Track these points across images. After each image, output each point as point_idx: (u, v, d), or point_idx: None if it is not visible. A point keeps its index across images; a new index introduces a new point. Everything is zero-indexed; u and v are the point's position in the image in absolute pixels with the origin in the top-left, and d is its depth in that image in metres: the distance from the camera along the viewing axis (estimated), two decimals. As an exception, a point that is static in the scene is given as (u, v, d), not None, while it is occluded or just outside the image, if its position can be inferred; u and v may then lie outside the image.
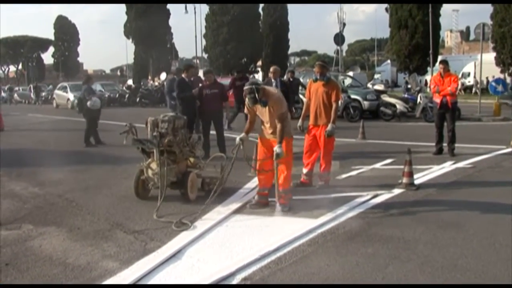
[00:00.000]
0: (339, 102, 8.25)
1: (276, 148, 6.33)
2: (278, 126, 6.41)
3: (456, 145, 10.71)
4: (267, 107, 6.51)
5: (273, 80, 11.10)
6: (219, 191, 6.79)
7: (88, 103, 13.36)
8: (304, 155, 8.04)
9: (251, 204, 6.81)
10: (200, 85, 11.20)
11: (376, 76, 54.23)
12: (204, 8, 46.58)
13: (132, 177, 7.33)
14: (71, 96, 32.44)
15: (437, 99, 10.82)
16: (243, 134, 6.74)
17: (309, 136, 8.02)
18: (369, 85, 26.62)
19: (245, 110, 7.01)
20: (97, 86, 36.60)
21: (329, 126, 7.75)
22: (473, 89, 39.26)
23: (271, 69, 12.19)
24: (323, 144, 7.85)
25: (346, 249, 5.09)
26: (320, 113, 7.90)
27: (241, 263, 4.71)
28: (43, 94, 42.87)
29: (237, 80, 15.21)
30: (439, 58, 34.62)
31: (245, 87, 6.56)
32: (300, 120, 8.29)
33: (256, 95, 6.38)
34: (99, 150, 12.61)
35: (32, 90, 44.90)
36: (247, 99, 6.56)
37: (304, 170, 8.02)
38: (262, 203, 6.78)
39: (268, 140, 6.72)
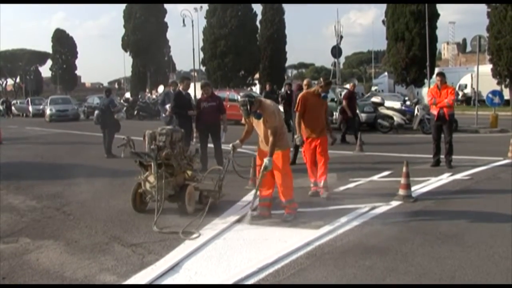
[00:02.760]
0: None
1: (266, 160, 6.45)
2: (270, 138, 6.50)
3: (453, 157, 10.73)
4: (261, 120, 6.58)
5: None
6: (217, 202, 6.84)
7: (116, 115, 13.77)
8: (311, 167, 8.24)
9: (253, 216, 6.82)
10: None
11: (373, 88, 54.38)
12: (201, 21, 46.84)
13: (130, 190, 7.31)
14: (48, 110, 35.15)
15: (434, 111, 10.83)
16: (237, 141, 6.95)
17: (310, 148, 8.18)
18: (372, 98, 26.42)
19: (243, 121, 7.08)
20: (94, 99, 37.04)
21: (334, 135, 8.61)
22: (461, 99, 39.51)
23: (305, 81, 12.27)
24: (324, 155, 8.11)
25: (343, 262, 5.08)
26: (322, 126, 8.20)
27: (239, 276, 4.70)
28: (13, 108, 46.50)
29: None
30: (436, 70, 34.80)
31: (240, 99, 6.65)
32: (299, 134, 8.31)
33: (248, 107, 6.48)
34: (96, 163, 12.58)
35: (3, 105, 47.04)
36: (241, 110, 6.66)
37: (314, 181, 8.23)
38: (264, 215, 6.80)
39: (263, 151, 6.78)
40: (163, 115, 12.73)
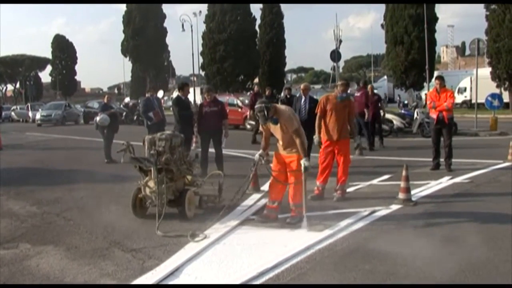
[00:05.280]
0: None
1: (304, 162, 6.49)
2: (297, 141, 6.59)
3: (453, 160, 10.72)
4: (278, 125, 6.66)
5: (303, 97, 11.24)
6: (217, 206, 6.86)
7: (97, 119, 13.63)
8: (321, 169, 8.27)
9: (258, 216, 6.91)
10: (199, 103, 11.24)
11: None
12: (201, 26, 46.97)
13: (130, 195, 7.30)
14: (31, 114, 40.18)
15: (434, 115, 10.81)
16: (261, 151, 6.93)
17: (326, 151, 8.28)
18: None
19: (260, 128, 7.17)
20: (94, 104, 37.27)
21: (358, 139, 8.41)
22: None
23: (302, 86, 12.29)
24: (344, 158, 8.20)
25: (344, 266, 5.08)
26: (343, 129, 8.25)
27: (239, 281, 4.71)
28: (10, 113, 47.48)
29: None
30: (435, 73, 34.89)
31: (256, 106, 6.71)
32: (317, 135, 8.38)
33: (266, 113, 6.55)
34: (96, 168, 12.55)
35: None
36: (258, 117, 6.73)
37: (320, 184, 8.27)
38: (271, 217, 6.84)
39: (282, 155, 6.88)
40: (149, 123, 12.26)
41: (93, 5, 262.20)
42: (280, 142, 6.87)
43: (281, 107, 6.93)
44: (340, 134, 8.22)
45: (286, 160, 6.80)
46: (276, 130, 6.81)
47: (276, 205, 6.88)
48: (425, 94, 19.96)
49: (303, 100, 11.18)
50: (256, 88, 17.72)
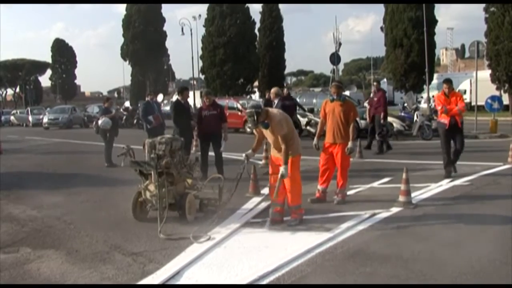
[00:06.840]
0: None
1: (282, 169, 6.54)
2: (282, 147, 6.61)
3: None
4: (269, 128, 6.70)
5: (275, 101, 11.56)
6: (221, 210, 6.88)
7: (99, 122, 13.64)
8: (321, 172, 8.24)
9: (266, 222, 6.93)
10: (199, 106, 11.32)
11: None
12: (200, 30, 46.96)
13: (130, 199, 7.31)
14: (31, 118, 41.89)
15: (445, 120, 10.16)
16: (249, 151, 7.04)
17: (326, 154, 8.24)
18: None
19: (253, 131, 7.22)
20: (94, 108, 37.52)
21: (350, 144, 8.05)
22: None
23: (272, 90, 12.73)
24: (340, 162, 8.12)
25: (344, 269, 5.08)
26: (337, 132, 8.15)
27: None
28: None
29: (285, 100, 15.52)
30: (435, 76, 34.85)
31: (247, 110, 6.76)
32: (315, 139, 8.41)
33: (255, 118, 6.58)
34: (97, 172, 12.56)
35: None
36: (248, 121, 6.81)
37: (320, 187, 8.22)
38: (278, 221, 6.87)
39: (274, 159, 6.95)
40: (148, 126, 12.34)
41: (92, 9, 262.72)
42: (273, 146, 6.94)
43: (273, 111, 6.97)
44: (336, 137, 8.14)
45: (277, 162, 6.84)
46: (267, 134, 6.87)
47: (280, 208, 6.91)
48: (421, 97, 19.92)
49: (274, 104, 11.72)
50: (286, 90, 17.53)
